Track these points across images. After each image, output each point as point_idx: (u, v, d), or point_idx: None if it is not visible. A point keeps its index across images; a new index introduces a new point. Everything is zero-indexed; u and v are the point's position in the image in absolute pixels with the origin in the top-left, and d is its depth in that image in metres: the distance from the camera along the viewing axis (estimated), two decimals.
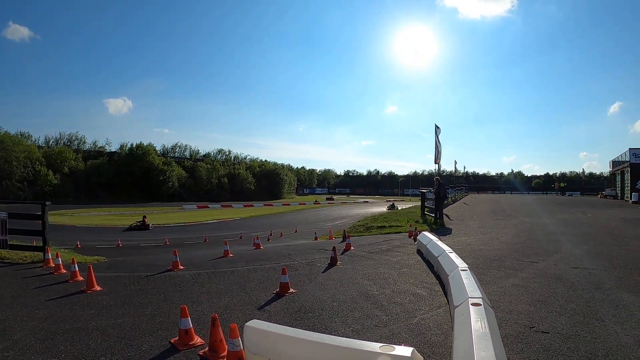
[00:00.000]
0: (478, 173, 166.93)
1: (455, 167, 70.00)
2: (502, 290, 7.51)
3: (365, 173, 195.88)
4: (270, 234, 27.91)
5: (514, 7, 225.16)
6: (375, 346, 3.59)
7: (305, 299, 7.46)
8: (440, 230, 17.41)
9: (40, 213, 11.95)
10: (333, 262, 10.65)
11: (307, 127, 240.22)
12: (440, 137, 25.46)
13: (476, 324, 4.24)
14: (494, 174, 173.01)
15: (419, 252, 11.83)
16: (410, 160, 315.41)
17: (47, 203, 12.14)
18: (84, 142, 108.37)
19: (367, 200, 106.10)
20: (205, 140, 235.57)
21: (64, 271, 9.89)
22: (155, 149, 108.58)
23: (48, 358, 5.00)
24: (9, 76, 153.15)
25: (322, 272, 9.82)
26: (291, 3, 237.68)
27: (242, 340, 4.47)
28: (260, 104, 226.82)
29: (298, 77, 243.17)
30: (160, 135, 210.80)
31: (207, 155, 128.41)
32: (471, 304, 4.85)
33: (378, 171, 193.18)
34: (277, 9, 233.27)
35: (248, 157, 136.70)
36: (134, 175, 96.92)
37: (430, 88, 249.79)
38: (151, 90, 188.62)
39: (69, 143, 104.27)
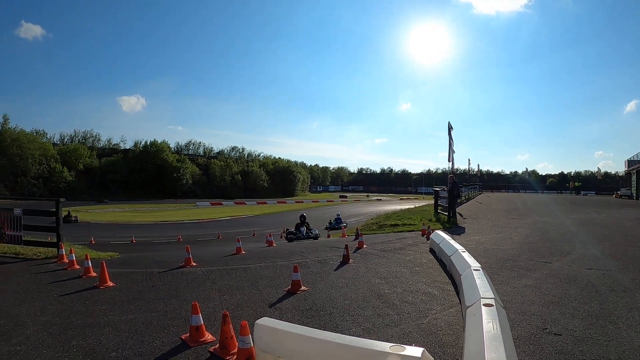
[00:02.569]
0: (492, 171, 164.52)
1: (469, 165, 69.75)
2: (514, 291, 7.45)
3: (378, 171, 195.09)
4: (283, 231, 27.87)
5: (531, 2, 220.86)
6: (386, 346, 3.56)
7: (317, 297, 7.46)
8: (454, 229, 17.32)
9: (54, 209, 12.04)
10: (345, 260, 10.63)
11: (321, 125, 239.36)
12: (453, 135, 25.36)
13: (488, 324, 4.21)
14: (507, 172, 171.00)
15: (431, 250, 11.78)
16: (423, 158, 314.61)
17: (61, 199, 12.22)
18: (99, 140, 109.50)
19: (380, 198, 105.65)
20: (218, 137, 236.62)
21: (78, 267, 9.99)
22: (169, 146, 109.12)
23: (60, 352, 5.03)
24: (23, 74, 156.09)
25: (334, 270, 9.82)
26: (302, 0, 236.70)
27: (253, 338, 4.47)
28: (274, 102, 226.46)
29: (311, 74, 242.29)
30: (174, 133, 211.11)
31: (220, 153, 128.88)
32: (483, 305, 4.80)
33: (392, 169, 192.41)
34: (288, 6, 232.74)
35: (262, 155, 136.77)
36: (148, 172, 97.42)
37: (444, 85, 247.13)
38: (164, 88, 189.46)
39: (83, 140, 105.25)
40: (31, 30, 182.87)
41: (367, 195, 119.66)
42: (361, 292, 7.73)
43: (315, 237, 24.82)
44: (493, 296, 5.21)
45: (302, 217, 26.03)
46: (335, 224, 36.00)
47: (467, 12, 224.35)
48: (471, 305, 5.17)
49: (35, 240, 12.49)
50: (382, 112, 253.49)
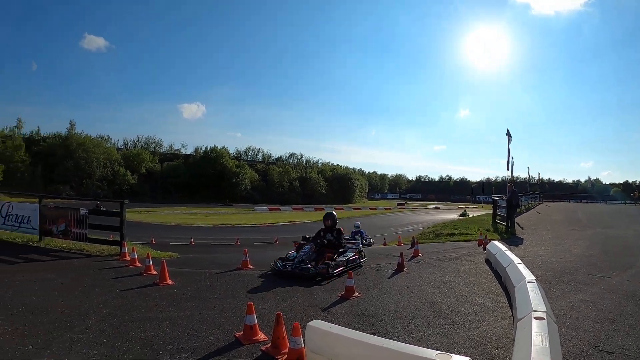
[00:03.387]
0: (553, 180, 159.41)
1: (529, 173, 68.63)
2: (569, 305, 7.33)
3: (437, 178, 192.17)
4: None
5: (591, 0, 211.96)
6: (432, 353, 3.64)
7: (369, 303, 7.55)
8: (511, 239, 17.04)
9: (118, 210, 12.68)
10: (400, 268, 10.70)
11: (379, 132, 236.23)
12: (511, 142, 24.89)
13: (537, 338, 4.20)
14: (570, 181, 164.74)
15: (487, 261, 11.69)
16: (482, 165, 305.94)
17: (125, 201, 12.87)
18: (161, 145, 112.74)
19: (438, 206, 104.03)
20: (277, 144, 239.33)
21: (139, 265, 10.46)
22: (228, 152, 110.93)
23: (119, 342, 5.36)
24: (88, 83, 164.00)
25: (388, 278, 9.90)
26: (357, 6, 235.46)
27: (304, 339, 4.63)
28: (332, 108, 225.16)
29: (369, 80, 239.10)
30: (233, 139, 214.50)
31: (279, 159, 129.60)
32: (534, 318, 4.78)
33: (450, 177, 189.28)
34: (344, 12, 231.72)
35: (320, 161, 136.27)
36: (208, 177, 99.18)
37: (503, 90, 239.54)
38: (223, 95, 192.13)
39: (146, 146, 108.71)
40: (94, 42, 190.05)
41: (423, 202, 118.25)
42: (413, 300, 7.79)
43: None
44: (545, 309, 5.17)
45: (330, 216, 12.01)
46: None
47: (525, 14, 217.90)
48: (522, 318, 5.16)
49: (99, 238, 13.17)
50: (440, 119, 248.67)
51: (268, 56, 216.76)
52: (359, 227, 24.30)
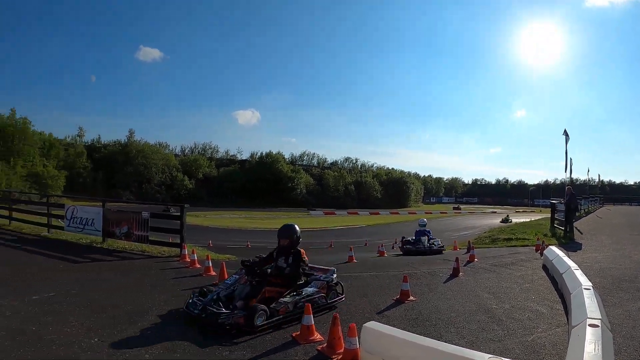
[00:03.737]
0: (614, 182, 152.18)
1: (588, 175, 66.59)
2: (626, 314, 7.16)
3: (493, 182, 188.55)
4: (395, 242, 27.69)
5: None
6: (485, 357, 3.72)
7: (424, 307, 7.62)
8: (569, 244, 16.63)
9: (179, 214, 13.17)
10: (455, 273, 10.64)
11: (433, 134, 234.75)
12: (569, 143, 24.28)
13: (589, 346, 4.19)
14: (632, 182, 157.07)
15: (544, 267, 11.47)
16: (540, 167, 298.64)
17: (185, 205, 13.38)
18: (217, 151, 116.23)
19: (495, 210, 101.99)
20: (331, 148, 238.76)
21: (198, 266, 10.83)
22: (283, 157, 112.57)
23: (180, 337, 5.71)
24: (145, 93, 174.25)
25: (443, 283, 9.90)
26: (409, 6, 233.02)
27: (359, 340, 4.81)
28: (385, 112, 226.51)
29: (422, 82, 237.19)
30: (288, 144, 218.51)
31: (334, 163, 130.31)
32: (588, 325, 4.74)
33: (507, 180, 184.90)
34: (395, 13, 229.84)
35: (375, 165, 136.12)
36: (264, 181, 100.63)
37: (559, 88, 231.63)
38: (277, 101, 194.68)
39: (203, 152, 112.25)
40: (150, 54, 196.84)
41: (479, 206, 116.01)
42: (468, 305, 7.79)
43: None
44: (600, 317, 5.11)
45: (287, 232, 8.00)
46: (420, 245, 19.77)
47: (579, 7, 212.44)
48: (577, 325, 5.12)
49: (160, 240, 13.72)
50: (496, 120, 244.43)
51: (321, 61, 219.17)
52: (424, 226, 20.60)
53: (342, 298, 7.83)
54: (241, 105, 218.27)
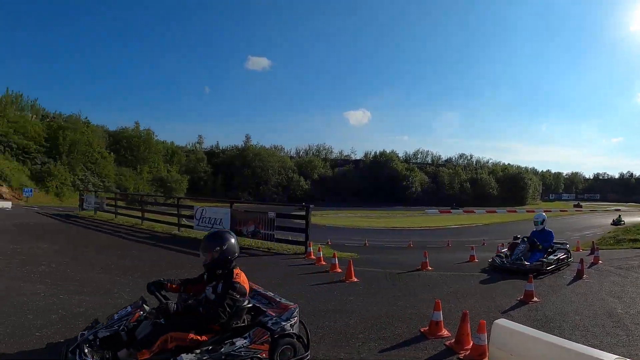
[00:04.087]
0: None
1: None
2: None
3: (616, 176, 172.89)
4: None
5: None
6: (611, 357, 3.84)
7: (548, 308, 7.63)
8: None
9: (304, 213, 14.02)
10: (579, 275, 10.46)
11: (550, 126, 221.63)
12: None
13: None
14: None
15: None
16: None
17: (310, 205, 14.20)
18: (331, 152, 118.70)
19: (618, 208, 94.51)
20: (445, 145, 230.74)
21: (324, 263, 11.32)
22: (397, 156, 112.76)
23: (314, 329, 5.99)
24: (258, 99, 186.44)
25: (567, 285, 9.78)
26: None
27: (488, 337, 4.99)
28: (498, 105, 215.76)
29: (533, 72, 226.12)
30: (400, 143, 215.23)
31: (448, 161, 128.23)
32: None
33: (632, 173, 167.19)
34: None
35: (490, 161, 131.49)
36: (378, 180, 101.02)
37: None
38: (387, 100, 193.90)
39: (317, 153, 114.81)
40: (258, 63, 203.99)
41: (598, 203, 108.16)
42: (592, 309, 7.70)
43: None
44: None
45: (211, 244, 4.79)
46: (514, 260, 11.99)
47: None
48: None
49: (285, 238, 14.42)
50: (617, 107, 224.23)
51: (429, 57, 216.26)
52: (542, 223, 12.99)
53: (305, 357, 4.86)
54: (351, 106, 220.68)
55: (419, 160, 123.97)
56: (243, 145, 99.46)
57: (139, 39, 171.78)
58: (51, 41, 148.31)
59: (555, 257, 11.48)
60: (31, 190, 41.99)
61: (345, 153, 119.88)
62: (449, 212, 73.61)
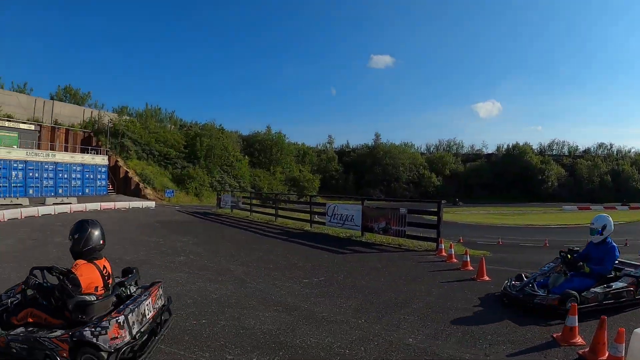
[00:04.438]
0: None
1: None
2: None
3: None
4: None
5: None
6: None
7: None
8: None
9: (435, 210, 13.83)
10: None
11: None
12: None
13: None
14: None
15: None
16: None
17: (442, 201, 13.99)
18: (462, 146, 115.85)
19: None
20: (583, 134, 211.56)
21: (455, 260, 11.15)
22: (531, 148, 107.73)
23: (441, 326, 6.10)
24: (383, 97, 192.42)
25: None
26: None
27: (625, 348, 4.61)
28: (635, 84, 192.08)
29: None
30: (534, 134, 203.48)
31: (586, 151, 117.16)
32: None
33: None
34: None
35: (632, 150, 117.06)
36: (511, 175, 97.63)
37: None
38: (517, 89, 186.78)
39: (447, 148, 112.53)
40: (381, 61, 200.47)
41: None
42: None
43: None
44: None
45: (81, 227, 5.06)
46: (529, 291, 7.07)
47: None
48: None
49: (416, 235, 14.37)
50: None
51: (558, 41, 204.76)
52: (602, 231, 7.49)
53: None
54: (480, 98, 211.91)
55: (554, 152, 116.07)
56: (373, 143, 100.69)
57: (266, 53, 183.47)
58: (189, 59, 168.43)
59: (609, 289, 6.85)
60: (172, 192, 46.79)
61: (476, 147, 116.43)
62: (588, 208, 69.61)
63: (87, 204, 30.93)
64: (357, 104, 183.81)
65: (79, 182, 44.28)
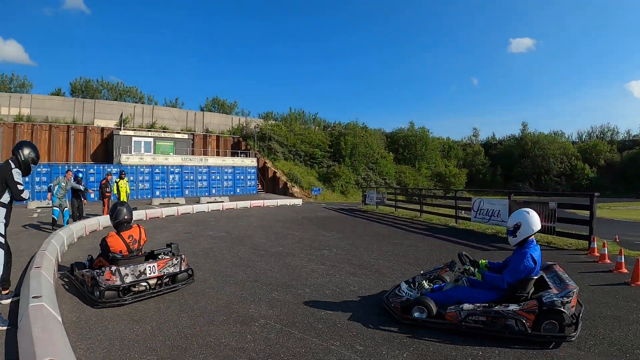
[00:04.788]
0: None
1: None
2: None
3: None
4: None
5: None
6: None
7: None
8: None
9: (588, 204, 12.93)
10: None
11: None
12: None
13: None
14: None
15: None
16: None
17: (595, 194, 13.11)
18: (617, 132, 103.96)
19: None
20: None
21: (608, 261, 10.47)
22: None
23: (586, 336, 5.62)
24: (527, 83, 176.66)
25: None
26: None
27: None
28: None
29: None
30: None
31: None
32: None
33: None
34: None
35: None
36: None
37: None
38: None
39: (601, 135, 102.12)
40: (521, 44, 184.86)
41: None
42: None
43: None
44: None
45: None
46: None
47: None
48: None
49: (567, 232, 13.62)
50: None
51: None
52: (515, 231, 5.98)
53: None
54: (634, 74, 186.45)
55: None
56: (520, 133, 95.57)
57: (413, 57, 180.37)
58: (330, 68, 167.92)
59: (489, 308, 5.55)
60: (319, 190, 48.87)
61: (633, 132, 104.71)
62: None
63: (237, 202, 32.58)
64: (501, 93, 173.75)
65: (230, 183, 47.67)
